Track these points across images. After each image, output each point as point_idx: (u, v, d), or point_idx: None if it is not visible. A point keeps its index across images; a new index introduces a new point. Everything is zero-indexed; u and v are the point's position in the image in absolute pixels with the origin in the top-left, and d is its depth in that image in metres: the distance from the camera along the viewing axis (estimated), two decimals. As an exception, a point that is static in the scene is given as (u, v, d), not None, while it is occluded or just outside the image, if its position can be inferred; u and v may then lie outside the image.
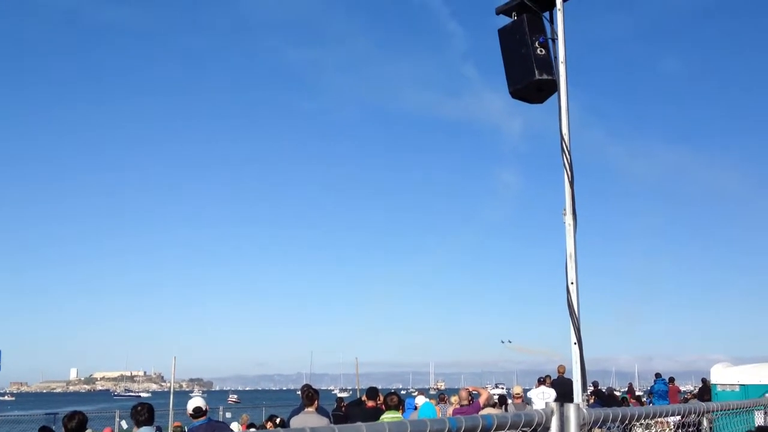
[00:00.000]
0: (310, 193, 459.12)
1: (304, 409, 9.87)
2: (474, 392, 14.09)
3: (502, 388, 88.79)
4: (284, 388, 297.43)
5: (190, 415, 9.21)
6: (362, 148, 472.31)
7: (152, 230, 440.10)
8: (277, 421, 15.11)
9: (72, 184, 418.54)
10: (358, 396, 22.28)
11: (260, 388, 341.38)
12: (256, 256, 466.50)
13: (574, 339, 4.53)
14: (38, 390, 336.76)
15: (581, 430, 3.01)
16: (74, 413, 7.83)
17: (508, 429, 2.72)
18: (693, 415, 4.61)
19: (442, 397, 18.44)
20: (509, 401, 16.27)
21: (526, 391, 17.22)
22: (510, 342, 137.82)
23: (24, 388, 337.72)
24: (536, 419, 2.88)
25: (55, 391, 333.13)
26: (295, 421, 9.65)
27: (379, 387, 14.99)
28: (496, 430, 2.62)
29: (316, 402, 9.94)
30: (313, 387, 10.79)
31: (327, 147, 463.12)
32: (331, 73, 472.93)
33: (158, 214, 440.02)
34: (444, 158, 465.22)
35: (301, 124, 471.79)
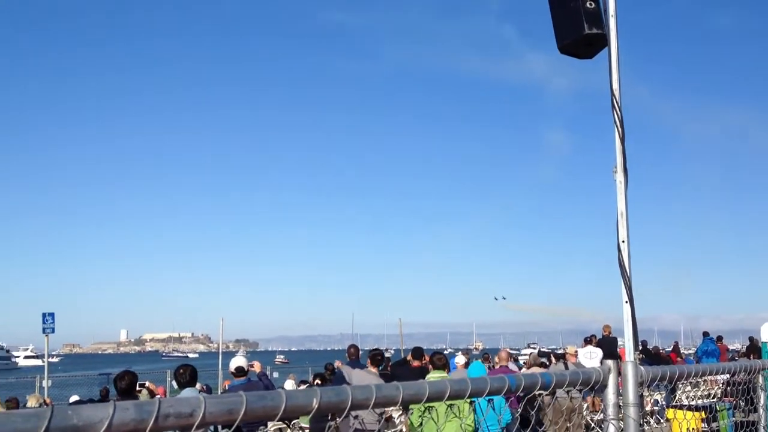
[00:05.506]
0: (352, 157, 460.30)
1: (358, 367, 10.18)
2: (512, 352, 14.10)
3: (534, 347, 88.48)
4: (328, 349, 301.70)
5: (232, 373, 9.53)
6: (403, 111, 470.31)
7: (200, 193, 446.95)
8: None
9: (119, 146, 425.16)
10: (402, 356, 22.48)
11: (304, 349, 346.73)
12: (300, 219, 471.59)
13: (625, 298, 4.43)
14: (90, 351, 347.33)
15: (638, 388, 2.98)
16: (125, 373, 7.95)
17: (566, 386, 2.72)
18: (743, 374, 4.53)
19: (486, 356, 18.54)
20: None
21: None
22: (504, 299, 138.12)
23: (76, 350, 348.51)
24: (594, 377, 2.86)
25: (106, 352, 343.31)
26: (357, 375, 9.78)
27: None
28: (554, 387, 2.63)
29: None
30: (358, 347, 11.31)
31: (367, 110, 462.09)
32: (371, 35, 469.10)
33: (205, 176, 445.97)
34: (487, 120, 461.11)
35: (340, 85, 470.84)
